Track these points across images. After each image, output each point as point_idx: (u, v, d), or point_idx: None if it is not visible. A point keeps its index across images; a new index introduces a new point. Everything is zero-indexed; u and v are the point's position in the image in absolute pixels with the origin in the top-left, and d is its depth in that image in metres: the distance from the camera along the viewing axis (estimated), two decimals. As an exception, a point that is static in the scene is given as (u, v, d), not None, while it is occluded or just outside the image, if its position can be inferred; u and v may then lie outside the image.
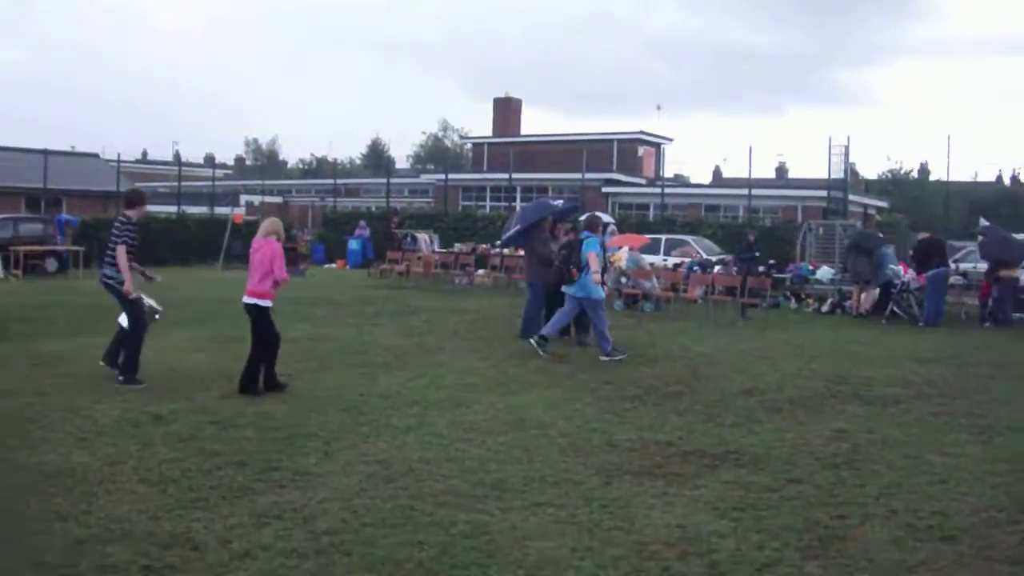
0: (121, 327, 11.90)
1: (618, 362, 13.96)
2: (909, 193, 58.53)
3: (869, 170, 63.68)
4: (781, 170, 69.46)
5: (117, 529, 6.30)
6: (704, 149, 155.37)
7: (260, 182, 60.92)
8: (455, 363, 13.57)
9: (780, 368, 13.98)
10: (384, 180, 49.27)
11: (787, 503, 7.28)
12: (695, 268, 25.87)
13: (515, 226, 17.15)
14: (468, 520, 6.64)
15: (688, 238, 30.84)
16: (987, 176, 73.07)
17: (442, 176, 44.89)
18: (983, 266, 23.30)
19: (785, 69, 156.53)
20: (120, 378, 11.39)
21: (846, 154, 33.00)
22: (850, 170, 37.51)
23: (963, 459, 8.79)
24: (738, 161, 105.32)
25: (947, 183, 41.97)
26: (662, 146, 50.72)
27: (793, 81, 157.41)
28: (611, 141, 47.26)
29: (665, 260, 28.59)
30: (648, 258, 26.11)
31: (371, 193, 58.76)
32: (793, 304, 24.97)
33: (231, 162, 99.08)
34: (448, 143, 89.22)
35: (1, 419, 9.36)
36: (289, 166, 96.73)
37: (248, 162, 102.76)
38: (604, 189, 42.11)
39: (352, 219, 40.99)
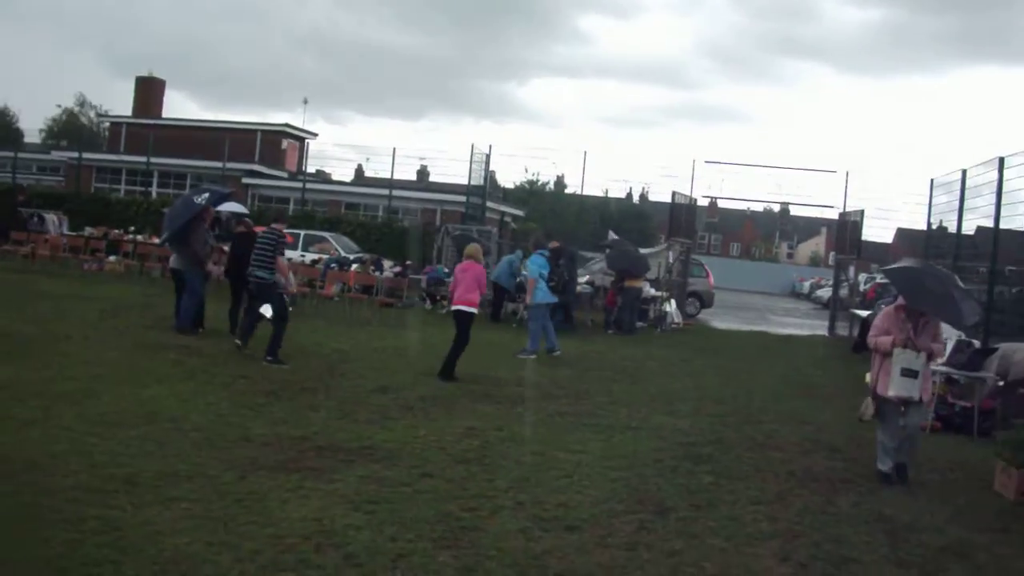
0: (263, 315, 13.97)
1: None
2: (545, 203, 60.86)
3: (507, 179, 65.80)
4: (422, 173, 70.46)
5: None
6: (347, 147, 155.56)
7: None
8: (84, 353, 12.86)
9: (414, 367, 14.23)
10: (11, 154, 46.19)
11: (420, 496, 7.43)
12: (333, 265, 25.88)
13: (168, 224, 16.57)
14: (99, 516, 6.33)
15: (327, 235, 30.83)
16: (618, 192, 77.06)
17: (75, 154, 42.65)
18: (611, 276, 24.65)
19: (429, 75, 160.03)
20: (268, 359, 13.43)
21: (487, 162, 33.93)
22: (490, 178, 38.57)
23: (586, 455, 9.28)
24: (380, 162, 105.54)
25: (581, 197, 43.87)
26: (306, 141, 50.38)
27: (436, 87, 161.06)
28: (255, 132, 46.46)
29: (303, 256, 28.46)
30: (286, 253, 25.87)
31: (-4, 167, 55.06)
32: (428, 305, 25.42)
33: None
34: (84, 120, 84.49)
35: None
36: None
37: None
38: (245, 180, 41.30)
39: (-28, 194, 38.21)
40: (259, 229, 16.35)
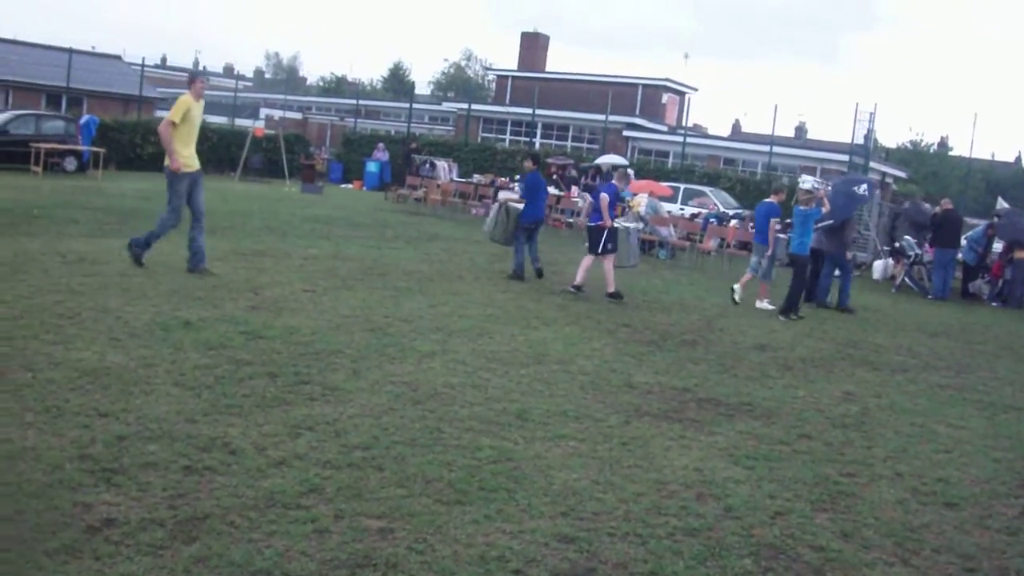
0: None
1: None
2: (927, 165, 58.26)
3: (889, 139, 63.18)
4: (800, 129, 69.20)
5: (156, 428, 6.48)
6: (722, 101, 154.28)
7: (282, 96, 60.68)
8: (475, 293, 13.79)
9: (792, 327, 14.22)
10: (405, 104, 49.10)
11: (798, 457, 7.52)
12: (712, 220, 26.00)
13: (833, 214, 17.09)
14: (493, 446, 6.87)
15: (706, 189, 30.91)
16: (1005, 156, 72.57)
17: (464, 105, 44.93)
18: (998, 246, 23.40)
19: (805, 29, 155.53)
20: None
21: (871, 120, 32.79)
22: (872, 137, 37.16)
23: (967, 432, 9.01)
24: (756, 116, 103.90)
25: (968, 160, 41.62)
26: (687, 95, 50.48)
27: (811, 41, 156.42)
28: (636, 85, 47.05)
29: (682, 209, 28.72)
30: (665, 206, 26.26)
31: (391, 117, 58.62)
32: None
33: (250, 74, 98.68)
34: (470, 73, 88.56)
35: (35, 314, 9.45)
36: (308, 83, 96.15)
37: (267, 75, 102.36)
38: (625, 133, 42.02)
39: (371, 141, 41.09)
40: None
